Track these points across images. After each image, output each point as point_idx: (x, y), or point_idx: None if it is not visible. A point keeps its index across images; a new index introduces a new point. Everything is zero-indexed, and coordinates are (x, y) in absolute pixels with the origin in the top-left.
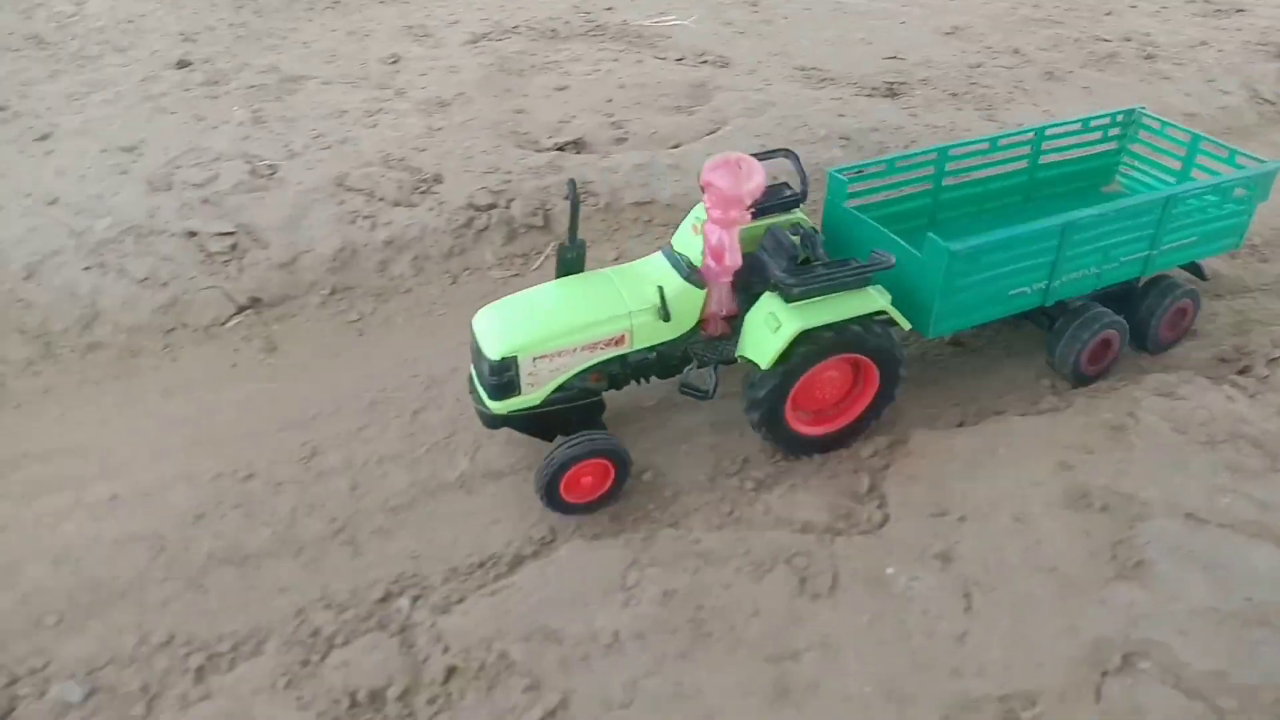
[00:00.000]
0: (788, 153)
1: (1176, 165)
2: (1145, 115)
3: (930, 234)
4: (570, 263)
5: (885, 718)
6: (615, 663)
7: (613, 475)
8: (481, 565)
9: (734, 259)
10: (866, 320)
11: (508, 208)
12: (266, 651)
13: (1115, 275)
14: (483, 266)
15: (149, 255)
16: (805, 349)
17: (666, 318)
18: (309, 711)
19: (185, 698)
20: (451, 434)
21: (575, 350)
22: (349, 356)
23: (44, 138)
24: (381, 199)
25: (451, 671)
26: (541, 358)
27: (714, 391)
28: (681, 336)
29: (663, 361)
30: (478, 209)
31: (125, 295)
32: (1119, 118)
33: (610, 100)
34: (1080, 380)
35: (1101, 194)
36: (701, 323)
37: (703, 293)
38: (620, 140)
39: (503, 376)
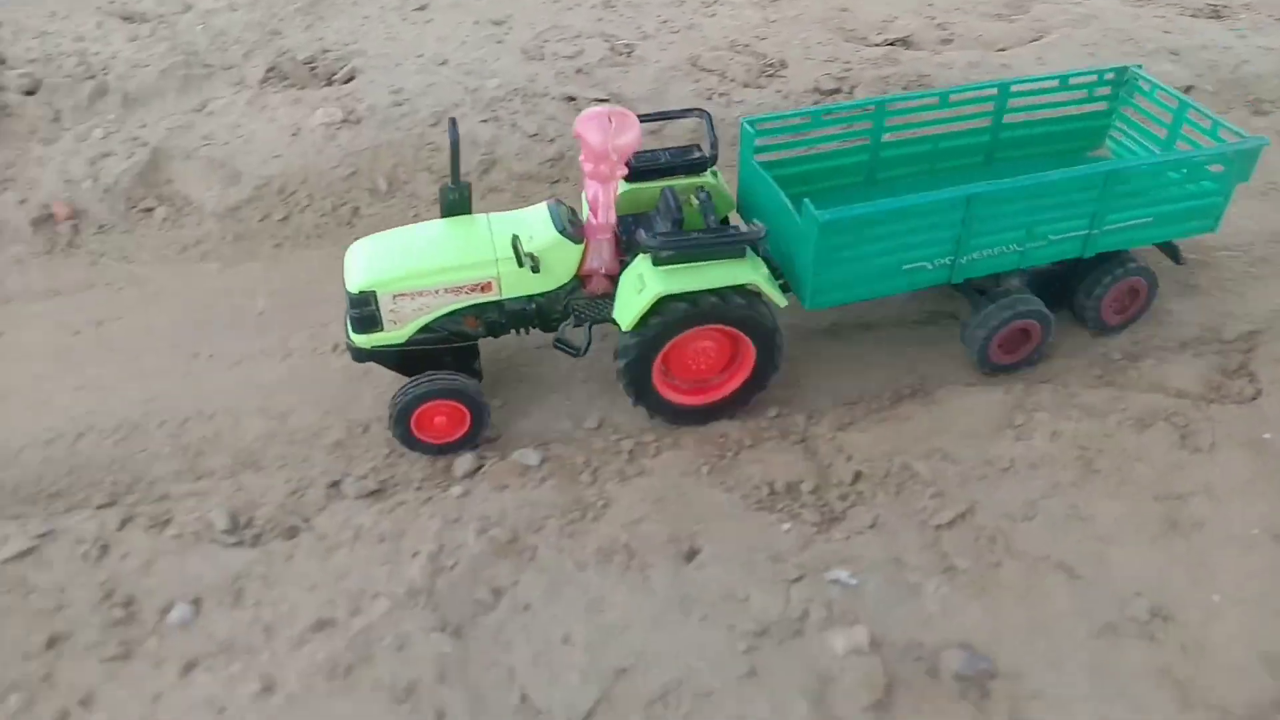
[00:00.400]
0: (701, 113)
1: (1162, 133)
2: (1140, 75)
3: (806, 201)
4: (454, 204)
5: (1274, 557)
6: (1013, 484)
7: (468, 420)
8: (862, 399)
9: (608, 216)
10: (728, 291)
11: (851, 94)
12: (685, 446)
13: (1045, 254)
14: None
15: (536, 114)
16: (663, 316)
17: (534, 269)
18: (734, 494)
19: (622, 473)
20: None
21: (438, 291)
22: None
23: (422, 8)
24: (732, 79)
25: (858, 475)
26: (402, 295)
27: (585, 349)
28: (559, 290)
29: (542, 314)
30: (823, 93)
31: (518, 147)
32: (1108, 76)
33: (930, 4)
34: (991, 369)
35: (1086, 158)
36: (585, 279)
37: (579, 248)
38: (946, 41)
39: (362, 310)
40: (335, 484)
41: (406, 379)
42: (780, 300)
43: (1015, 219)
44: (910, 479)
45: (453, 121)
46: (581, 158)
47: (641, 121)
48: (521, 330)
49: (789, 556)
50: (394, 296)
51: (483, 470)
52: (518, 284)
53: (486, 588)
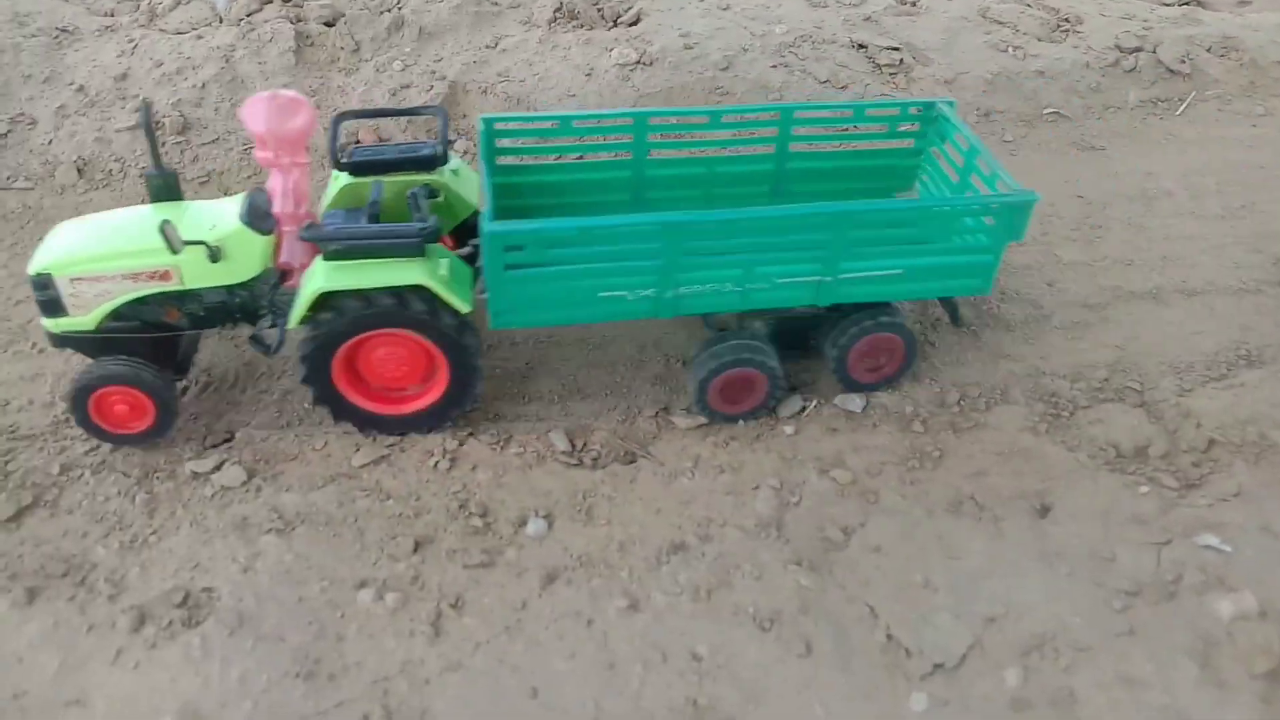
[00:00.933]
0: (437, 109)
1: (955, 177)
2: (946, 113)
3: (484, 211)
4: (159, 189)
5: None
6: None
7: (153, 412)
8: (1195, 365)
9: (284, 205)
10: (408, 293)
11: (1154, 52)
12: (1014, 400)
13: (769, 298)
14: (1124, 106)
15: (826, 60)
16: (332, 315)
17: (212, 258)
18: (1079, 453)
19: (954, 424)
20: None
21: (116, 277)
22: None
23: None
24: (1025, 33)
25: (1211, 442)
26: (80, 279)
27: (276, 348)
28: (256, 283)
29: (245, 308)
30: (1123, 50)
31: (810, 91)
32: (913, 110)
33: None
34: (711, 416)
35: (893, 198)
36: (284, 274)
37: (264, 239)
38: (1243, 2)
39: (43, 293)
40: (663, 412)
41: None
42: (460, 305)
43: (728, 255)
44: (1269, 449)
45: (145, 105)
46: (257, 145)
47: (371, 116)
48: (227, 325)
49: (1151, 520)
50: (71, 280)
51: (805, 412)
52: (203, 274)
53: (835, 526)
